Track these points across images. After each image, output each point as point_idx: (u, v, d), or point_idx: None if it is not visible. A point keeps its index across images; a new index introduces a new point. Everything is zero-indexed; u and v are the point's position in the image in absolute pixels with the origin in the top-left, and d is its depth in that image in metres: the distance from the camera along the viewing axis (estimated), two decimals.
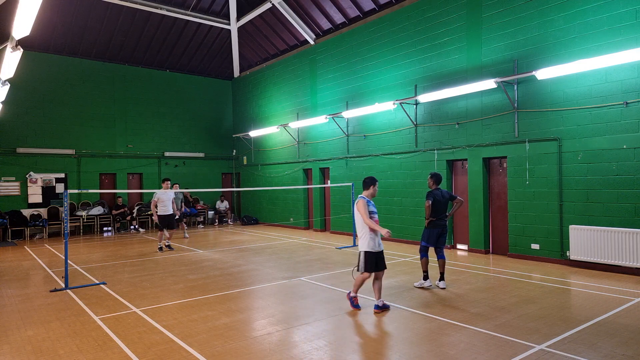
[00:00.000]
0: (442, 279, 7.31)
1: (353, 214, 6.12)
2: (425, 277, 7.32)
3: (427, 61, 11.52)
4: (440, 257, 7.34)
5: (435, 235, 7.29)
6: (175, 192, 12.95)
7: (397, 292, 7.08)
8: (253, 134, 17.97)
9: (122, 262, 10.18)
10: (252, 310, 6.29)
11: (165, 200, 11.77)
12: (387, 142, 12.75)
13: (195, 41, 18.18)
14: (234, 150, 20.53)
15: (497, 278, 7.94)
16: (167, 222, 11.81)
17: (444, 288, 7.20)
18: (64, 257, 7.99)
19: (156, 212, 11.81)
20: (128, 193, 17.81)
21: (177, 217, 12.50)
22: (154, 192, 12.27)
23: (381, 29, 12.85)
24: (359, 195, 6.17)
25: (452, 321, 5.54)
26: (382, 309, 5.99)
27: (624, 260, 7.97)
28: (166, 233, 11.98)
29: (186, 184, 18.54)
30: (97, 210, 16.31)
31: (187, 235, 14.79)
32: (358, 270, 6.06)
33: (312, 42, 15.69)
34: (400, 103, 11.69)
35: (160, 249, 11.71)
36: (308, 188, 16.04)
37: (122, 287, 7.69)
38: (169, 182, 12.16)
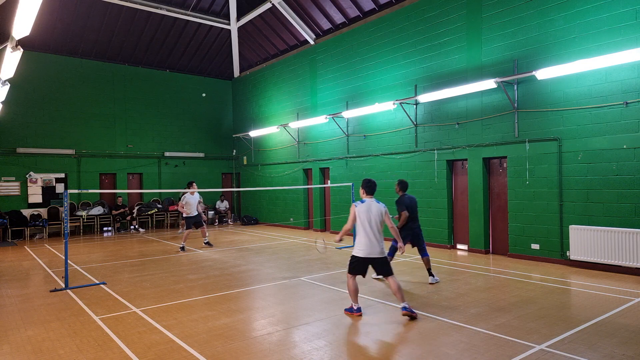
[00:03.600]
0: (430, 274, 7.61)
1: (375, 219, 5.87)
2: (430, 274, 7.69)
3: (427, 61, 11.52)
4: (424, 255, 7.68)
5: (408, 237, 7.62)
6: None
7: None
8: (253, 134, 17.97)
9: (122, 262, 10.18)
10: (252, 310, 6.29)
11: (192, 203, 12.14)
12: (387, 142, 12.75)
13: (195, 41, 18.18)
14: (234, 150, 20.53)
15: (497, 278, 7.94)
16: (195, 222, 12.24)
17: (432, 283, 7.50)
18: (64, 257, 7.99)
19: (183, 210, 12.21)
20: (128, 193, 17.81)
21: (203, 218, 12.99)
22: (181, 195, 12.73)
23: (381, 29, 12.84)
24: (378, 200, 5.97)
25: (452, 321, 5.54)
26: (409, 310, 5.66)
27: (624, 260, 7.97)
28: (186, 232, 12.24)
29: (186, 184, 18.54)
30: (97, 210, 16.30)
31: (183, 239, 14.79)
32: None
33: (312, 42, 15.69)
34: (400, 103, 11.69)
35: (182, 248, 11.87)
36: (308, 188, 16.03)
37: (122, 287, 7.69)
38: (194, 184, 12.53)
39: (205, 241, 12.52)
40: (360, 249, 5.78)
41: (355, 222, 5.88)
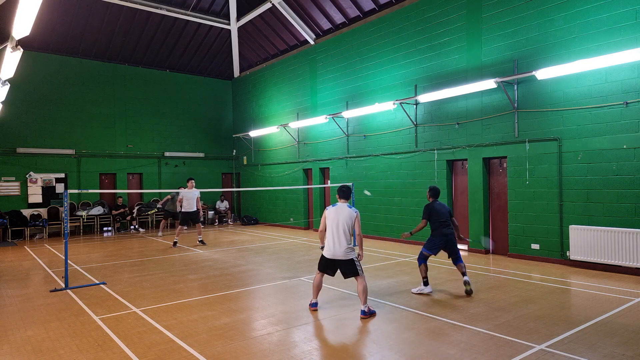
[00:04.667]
0: (464, 274, 6.98)
1: (343, 223, 5.97)
2: (425, 283, 7.07)
3: (427, 61, 11.52)
4: (458, 262, 7.09)
5: (440, 244, 7.07)
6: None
7: (398, 292, 7.08)
8: (253, 134, 17.97)
9: (122, 262, 10.18)
10: (252, 310, 6.29)
11: (189, 198, 12.53)
12: (387, 142, 12.75)
13: (195, 41, 18.18)
14: (234, 150, 20.53)
15: (497, 278, 7.94)
16: (191, 218, 12.63)
17: (467, 281, 6.86)
18: (64, 257, 7.99)
19: (180, 205, 12.66)
20: (128, 193, 17.81)
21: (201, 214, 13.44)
22: (178, 191, 13.15)
23: (381, 29, 12.84)
24: (351, 205, 6.12)
25: (452, 321, 5.54)
26: (367, 314, 5.80)
27: (624, 260, 7.97)
28: (184, 229, 12.69)
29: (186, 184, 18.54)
30: (97, 210, 16.30)
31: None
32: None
33: (312, 42, 15.69)
34: (400, 103, 11.69)
35: (175, 244, 12.33)
36: (308, 188, 16.03)
37: (122, 287, 7.69)
38: (193, 181, 12.90)
39: (199, 239, 12.80)
40: (327, 250, 6.01)
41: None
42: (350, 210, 6.01)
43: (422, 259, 7.16)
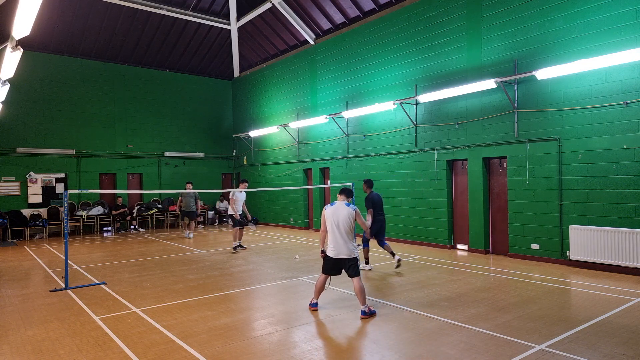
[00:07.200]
0: (367, 262, 8.82)
1: (343, 221, 5.95)
2: (367, 262, 8.80)
3: (427, 61, 11.52)
4: (384, 244, 8.71)
5: (377, 229, 8.64)
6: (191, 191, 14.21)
7: (398, 292, 7.08)
8: (253, 134, 17.97)
9: (122, 262, 10.18)
10: (252, 310, 6.29)
11: (240, 200, 11.81)
12: (387, 142, 12.75)
13: (195, 41, 18.18)
14: (234, 150, 20.53)
15: (497, 278, 7.94)
16: (240, 221, 11.67)
17: (366, 270, 8.64)
18: (64, 257, 7.99)
19: (235, 211, 11.64)
20: (128, 193, 17.80)
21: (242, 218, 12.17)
22: (230, 191, 12.29)
23: (381, 29, 12.84)
24: (349, 203, 6.10)
25: (452, 321, 5.54)
26: (367, 315, 5.80)
27: (624, 260, 7.97)
28: (234, 230, 11.63)
29: (186, 184, 18.52)
30: (97, 210, 16.30)
31: (191, 235, 14.78)
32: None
33: (312, 42, 15.69)
34: (400, 103, 11.69)
35: (236, 248, 11.46)
36: (308, 188, 16.03)
37: (122, 287, 7.69)
38: (246, 183, 11.98)
39: (238, 242, 11.66)
40: (331, 250, 6.00)
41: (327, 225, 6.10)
42: (348, 208, 5.96)
43: (366, 243, 8.75)
